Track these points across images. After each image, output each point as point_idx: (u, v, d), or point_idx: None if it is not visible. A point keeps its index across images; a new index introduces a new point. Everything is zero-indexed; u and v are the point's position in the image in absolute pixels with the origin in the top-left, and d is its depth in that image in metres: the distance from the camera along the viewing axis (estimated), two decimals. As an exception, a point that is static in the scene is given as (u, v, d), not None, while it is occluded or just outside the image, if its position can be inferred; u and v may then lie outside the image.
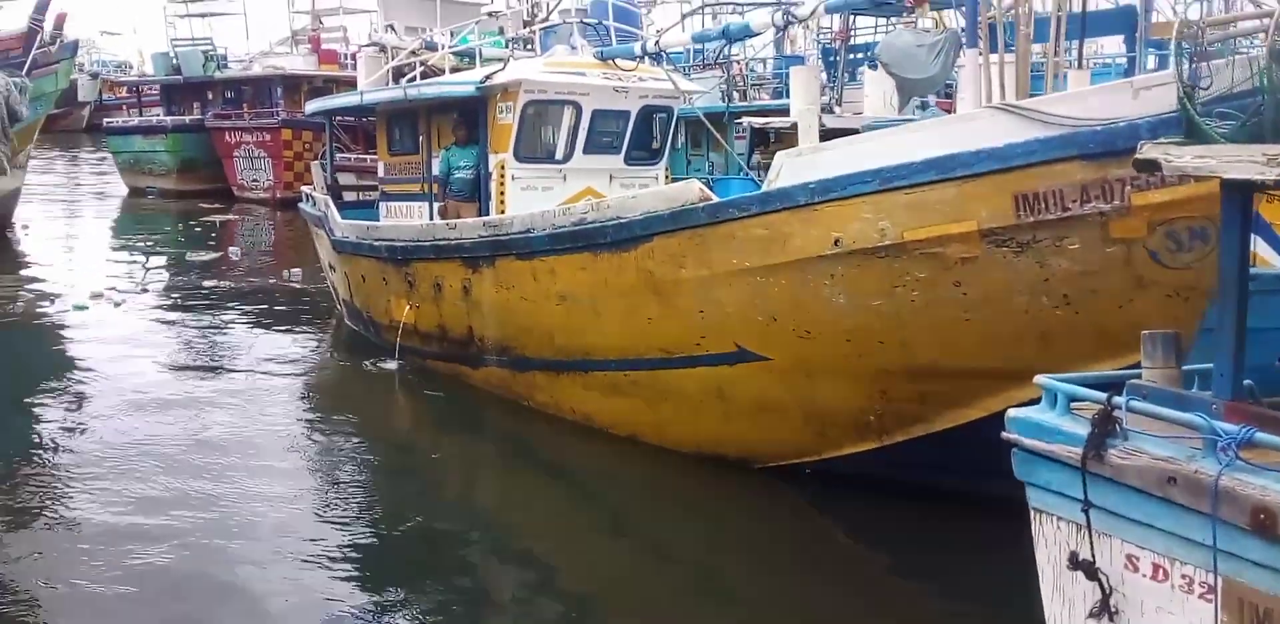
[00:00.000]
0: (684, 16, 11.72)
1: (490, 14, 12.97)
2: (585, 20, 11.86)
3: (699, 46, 13.71)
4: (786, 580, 7.13)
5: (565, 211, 9.45)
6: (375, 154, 14.22)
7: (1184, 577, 4.15)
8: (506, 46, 12.26)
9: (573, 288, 9.41)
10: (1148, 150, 4.52)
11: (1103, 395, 4.46)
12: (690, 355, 8.50)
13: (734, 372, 8.25)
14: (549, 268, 9.65)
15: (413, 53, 13.03)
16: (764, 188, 7.61)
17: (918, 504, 7.67)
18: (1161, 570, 4.25)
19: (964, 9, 10.58)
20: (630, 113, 12.13)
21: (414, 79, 13.22)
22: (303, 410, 11.28)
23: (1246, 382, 4.60)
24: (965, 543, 7.19)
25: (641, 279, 8.56)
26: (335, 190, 14.91)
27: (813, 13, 8.79)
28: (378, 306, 13.23)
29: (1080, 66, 12.34)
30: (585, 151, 12.05)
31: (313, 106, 15.31)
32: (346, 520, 8.12)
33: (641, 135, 12.52)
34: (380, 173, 14.28)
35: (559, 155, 11.98)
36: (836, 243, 7.12)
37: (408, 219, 13.42)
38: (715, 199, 7.90)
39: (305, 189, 16.21)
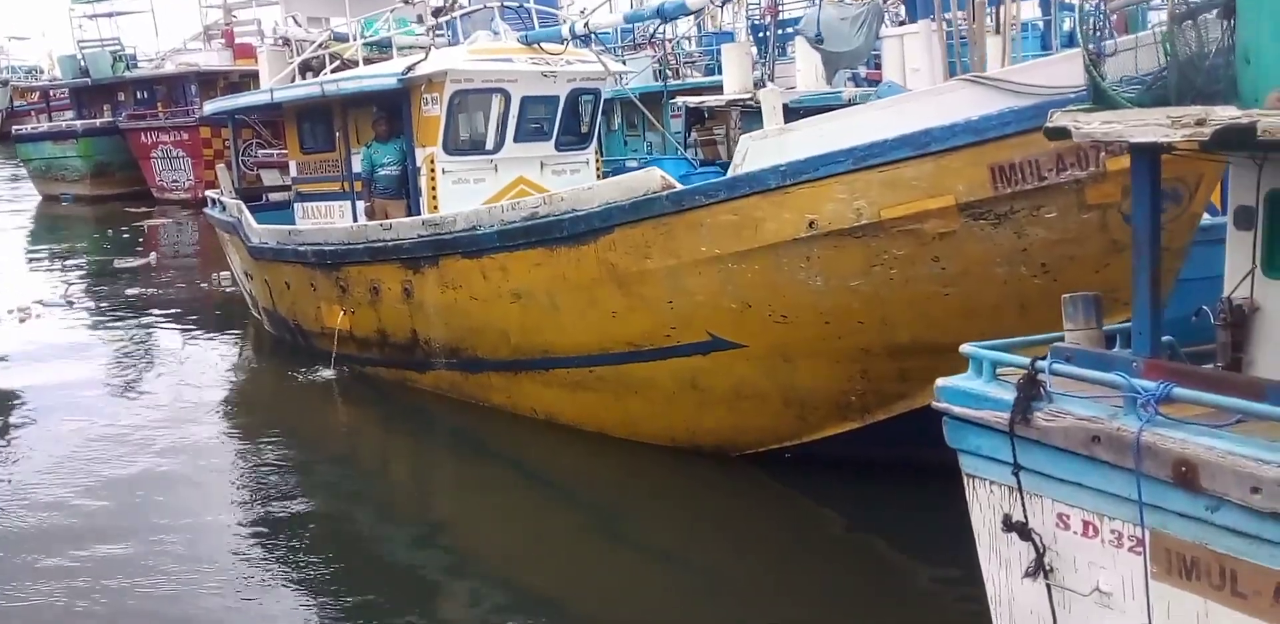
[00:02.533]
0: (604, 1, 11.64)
1: (405, 1, 12.63)
2: (506, 3, 11.65)
3: (629, 26, 13.64)
4: (781, 568, 7.26)
5: (514, 206, 9.34)
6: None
7: (1113, 532, 4.39)
8: (428, 34, 11.97)
9: (528, 285, 9.32)
10: (1057, 118, 4.74)
11: (1027, 360, 4.63)
12: (660, 347, 8.52)
13: (708, 361, 8.30)
14: (499, 265, 9.54)
15: (321, 46, 12.64)
16: (730, 172, 7.62)
17: (900, 480, 7.80)
18: (1091, 527, 4.49)
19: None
20: (559, 97, 12.04)
21: (321, 73, 12.86)
22: (239, 427, 11.04)
23: (1166, 337, 4.93)
24: (952, 515, 7.37)
25: (603, 272, 8.52)
26: (251, 192, 14.45)
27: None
28: (306, 314, 12.91)
29: (998, 32, 12.59)
30: (516, 140, 11.93)
31: (213, 107, 14.80)
32: (303, 541, 7.95)
33: (570, 120, 12.44)
34: (293, 172, 13.92)
35: (489, 145, 11.84)
36: (811, 225, 7.20)
37: (328, 220, 13.11)
38: (679, 186, 7.88)
39: (211, 194, 15.67)
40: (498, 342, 10.00)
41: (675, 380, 8.62)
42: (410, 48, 12.58)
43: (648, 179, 8.08)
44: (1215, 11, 4.67)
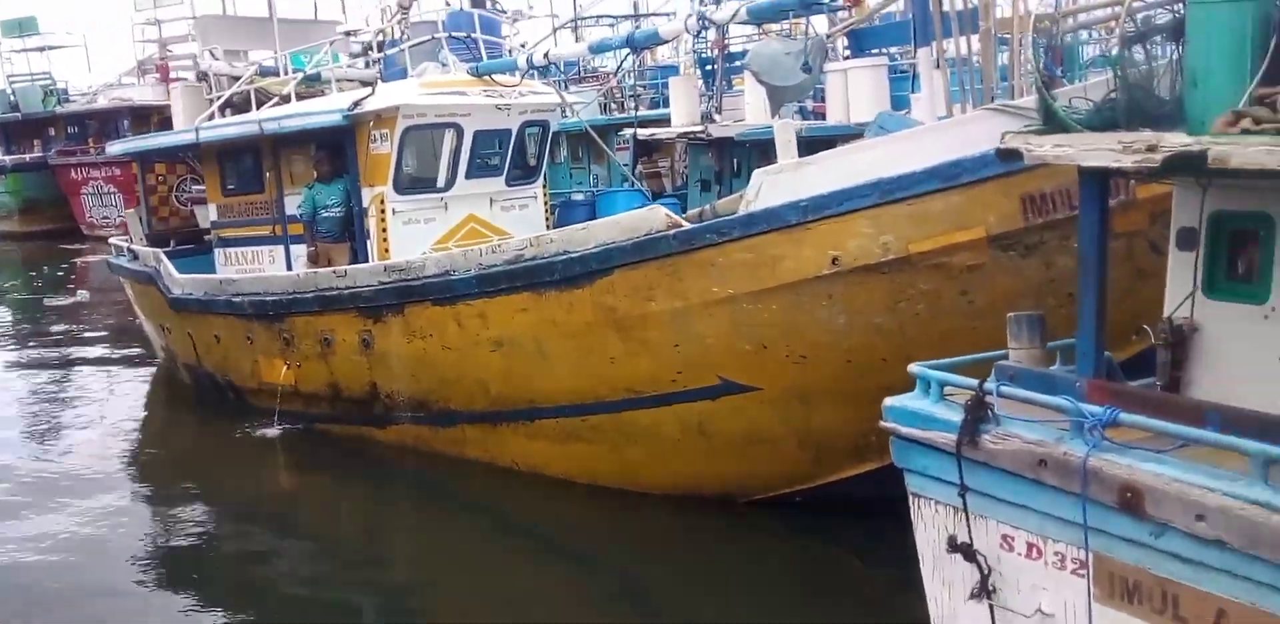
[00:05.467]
0: (555, 30, 11.60)
1: (347, 33, 12.35)
2: (453, 34, 11.50)
3: (591, 57, 13.65)
4: (793, 614, 7.20)
5: (494, 249, 9.18)
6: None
7: (1057, 554, 4.66)
8: (372, 68, 11.72)
9: (511, 332, 9.13)
10: (1010, 140, 5.02)
11: (975, 382, 4.72)
12: (664, 393, 8.45)
13: (717, 406, 8.25)
14: (477, 312, 9.34)
15: (250, 81, 12.25)
16: (742, 208, 7.63)
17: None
18: (1035, 549, 4.76)
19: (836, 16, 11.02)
20: (511, 131, 11.96)
21: (242, 109, 12.45)
22: (166, 488, 10.61)
23: (1106, 354, 5.28)
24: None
25: (601, 316, 8.41)
26: (185, 235, 13.88)
27: (733, 16, 8.87)
28: (240, 369, 12.41)
29: (938, 66, 12.92)
30: (468, 176, 11.79)
31: (120, 148, 14.15)
32: (240, 611, 7.64)
33: (520, 153, 12.29)
34: (213, 216, 13.43)
35: (441, 183, 11.68)
36: (835, 262, 7.23)
37: (255, 266, 12.68)
38: (686, 225, 7.84)
39: (117, 241, 14.97)
40: (475, 392, 9.76)
41: (681, 426, 8.53)
42: (343, 82, 12.28)
43: (651, 217, 8.02)
44: (1164, 34, 4.95)
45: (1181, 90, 4.66)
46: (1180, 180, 5.30)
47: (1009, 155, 5.12)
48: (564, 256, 8.52)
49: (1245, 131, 4.15)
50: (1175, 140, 4.31)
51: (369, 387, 10.77)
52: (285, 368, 11.52)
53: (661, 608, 7.64)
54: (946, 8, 7.84)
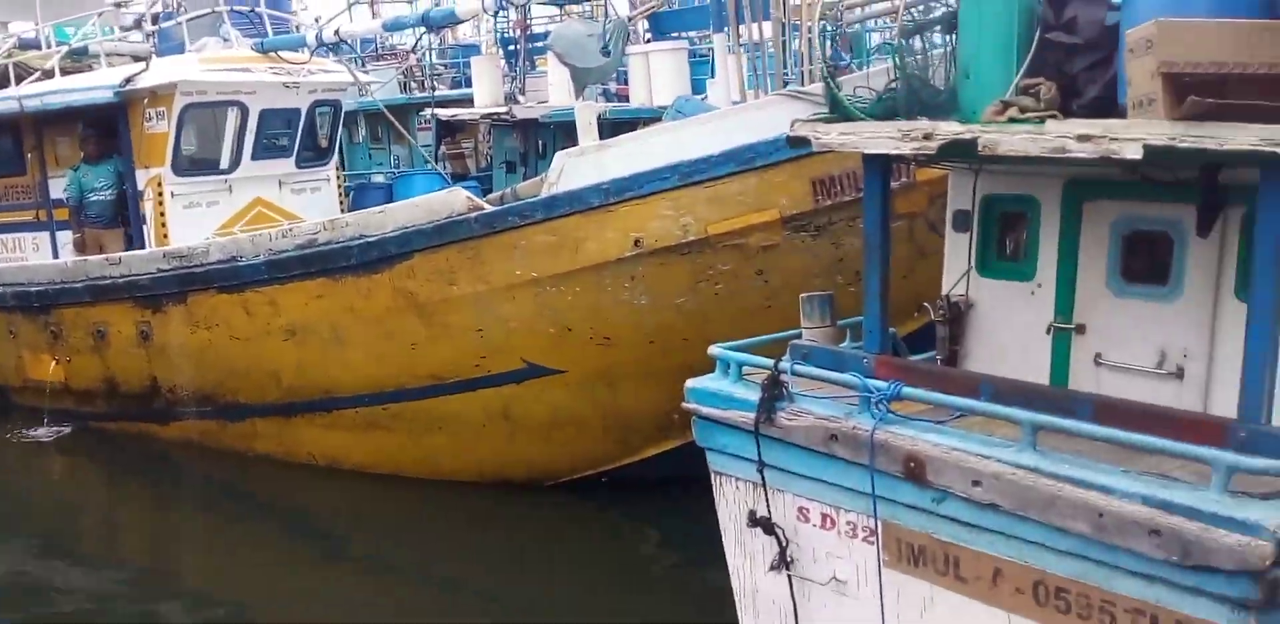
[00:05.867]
0: (350, 5, 11.22)
1: (116, 4, 11.57)
2: (236, 8, 10.99)
3: (387, 35, 13.26)
4: (605, 593, 7.37)
5: (285, 233, 8.89)
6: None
7: (849, 523, 5.02)
8: (147, 41, 11.05)
9: (305, 319, 8.89)
10: (799, 128, 5.40)
11: (771, 362, 5.17)
12: (468, 378, 8.41)
13: (523, 389, 8.29)
14: (267, 299, 9.04)
15: (8, 54, 11.37)
16: (544, 190, 7.65)
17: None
18: (829, 519, 5.13)
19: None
20: (301, 110, 11.57)
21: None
22: None
23: (891, 330, 5.70)
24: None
25: (401, 301, 8.30)
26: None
27: (533, -4, 8.84)
28: (2, 366, 11.53)
29: (734, 51, 13.36)
30: (254, 157, 11.33)
31: None
32: None
33: (311, 134, 11.90)
34: (-36, 201, 12.37)
35: (224, 164, 11.20)
36: (637, 243, 7.38)
37: (18, 255, 11.83)
38: (487, 207, 7.81)
39: None
40: (266, 384, 9.45)
41: (485, 412, 8.53)
42: (113, 56, 11.54)
43: (451, 200, 7.95)
44: (939, 27, 5.36)
45: (955, 80, 4.98)
46: (955, 165, 5.68)
47: (798, 142, 5.36)
48: (361, 241, 8.34)
49: (1012, 120, 4.48)
50: (949, 128, 4.61)
51: (149, 381, 10.26)
52: (54, 363, 10.84)
53: (469, 598, 7.62)
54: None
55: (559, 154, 7.75)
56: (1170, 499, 3.71)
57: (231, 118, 10.99)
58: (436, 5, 16.44)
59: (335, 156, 12.55)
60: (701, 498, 7.98)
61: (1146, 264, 4.99)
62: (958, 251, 5.83)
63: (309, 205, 11.89)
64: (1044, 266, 5.35)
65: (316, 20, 12.07)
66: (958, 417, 4.74)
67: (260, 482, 9.75)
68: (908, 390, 4.79)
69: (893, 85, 5.31)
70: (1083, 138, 4.02)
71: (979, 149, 4.43)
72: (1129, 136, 3.86)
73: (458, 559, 8.15)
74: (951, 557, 4.53)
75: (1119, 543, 3.79)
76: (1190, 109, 3.72)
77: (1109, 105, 4.48)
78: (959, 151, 4.65)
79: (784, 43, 7.99)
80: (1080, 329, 5.20)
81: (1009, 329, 5.56)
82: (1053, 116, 4.40)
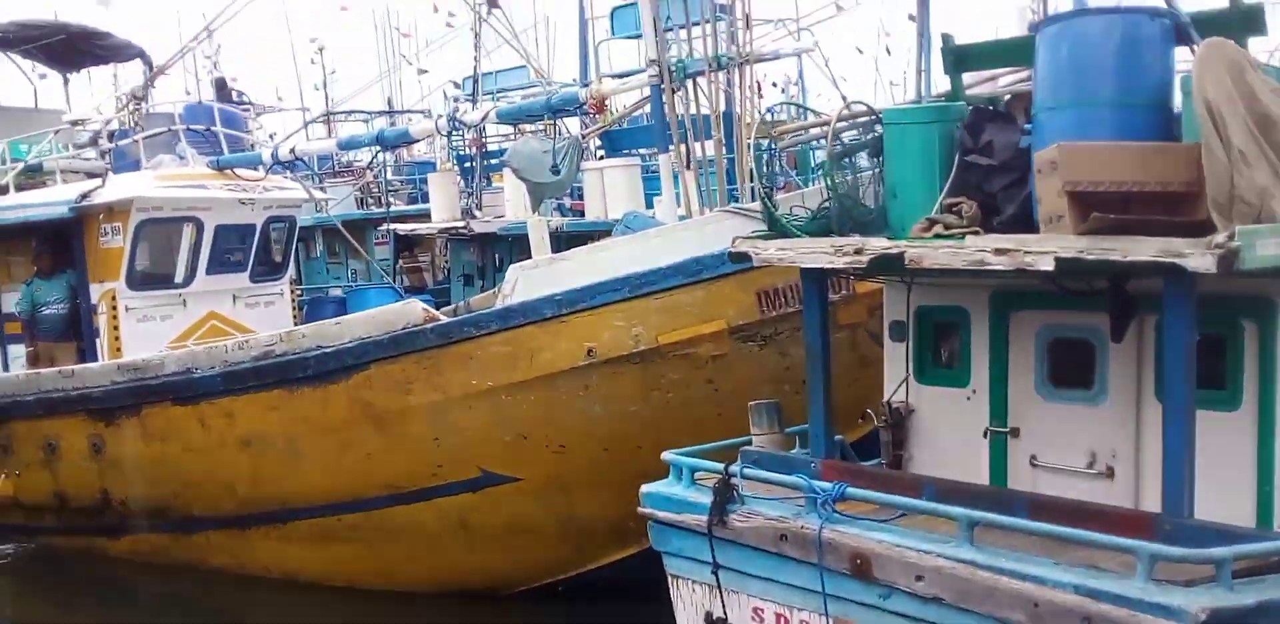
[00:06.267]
0: (306, 124, 11.68)
1: (73, 122, 11.91)
2: (192, 127, 11.38)
3: (341, 153, 13.72)
4: None
5: (240, 345, 9.06)
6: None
7: (801, 622, 5.22)
8: (103, 158, 11.37)
9: (261, 430, 9.00)
10: (740, 244, 5.83)
11: (722, 466, 5.49)
12: (424, 487, 8.54)
13: (479, 498, 8.42)
14: (223, 411, 9.16)
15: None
16: (499, 303, 7.93)
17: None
18: (783, 619, 5.36)
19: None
20: (256, 226, 11.86)
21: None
22: None
23: (838, 438, 6.05)
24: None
25: (357, 412, 8.47)
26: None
27: (483, 118, 9.33)
28: (-52, 482, 11.39)
29: (688, 168, 13.82)
30: (208, 272, 11.54)
31: None
32: None
33: (265, 249, 12.18)
34: (-92, 315, 12.39)
35: (179, 278, 11.42)
36: (590, 353, 7.64)
37: None
38: (443, 319, 8.06)
39: None
40: (220, 496, 9.48)
41: (442, 521, 8.61)
42: (67, 173, 11.84)
43: (407, 312, 8.20)
44: (867, 151, 5.84)
45: (884, 200, 5.41)
46: (889, 279, 6.08)
47: (739, 257, 5.76)
48: (317, 351, 8.53)
49: (938, 236, 4.88)
50: (878, 244, 5.02)
51: (99, 494, 10.21)
52: (2, 477, 10.74)
53: None
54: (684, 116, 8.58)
55: (513, 267, 8.08)
56: (1100, 588, 3.98)
57: (187, 233, 11.26)
58: (391, 125, 17.07)
59: (290, 271, 12.82)
60: (660, 603, 8.14)
61: (1072, 370, 5.37)
62: (896, 360, 6.20)
63: (263, 319, 12.08)
64: (977, 373, 5.71)
65: (271, 137, 12.47)
66: (901, 516, 5.00)
67: (215, 597, 9.68)
68: (852, 490, 5.07)
69: (826, 204, 5.75)
70: (1000, 251, 4.42)
71: (906, 263, 4.82)
72: (1041, 250, 4.26)
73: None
74: None
75: (1055, 632, 4.03)
76: (1094, 224, 4.14)
77: (1027, 221, 4.90)
78: (889, 265, 5.04)
79: (727, 162, 8.49)
80: (1015, 432, 5.53)
81: (948, 433, 5.88)
82: (974, 232, 4.80)
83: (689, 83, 8.57)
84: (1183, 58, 4.72)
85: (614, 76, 11.52)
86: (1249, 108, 4.04)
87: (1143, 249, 4.03)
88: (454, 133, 10.50)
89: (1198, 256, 3.87)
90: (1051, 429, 5.37)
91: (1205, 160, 4.00)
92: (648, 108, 9.23)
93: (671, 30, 9.02)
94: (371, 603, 9.06)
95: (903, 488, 5.21)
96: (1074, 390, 5.29)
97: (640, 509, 5.77)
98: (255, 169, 11.61)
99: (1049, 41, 4.79)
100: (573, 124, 11.41)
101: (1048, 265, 4.26)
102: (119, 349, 10.88)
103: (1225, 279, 4.33)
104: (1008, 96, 5.83)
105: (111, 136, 11.73)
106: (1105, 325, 4.97)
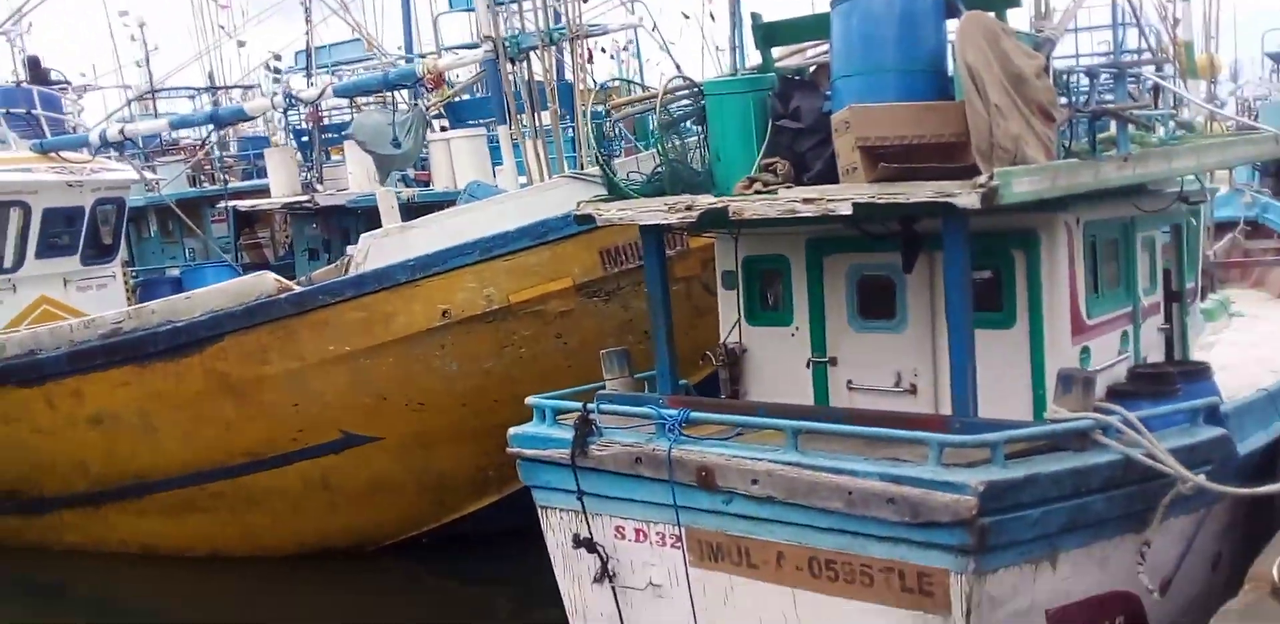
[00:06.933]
0: (129, 102, 11.59)
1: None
2: (13, 110, 11.25)
3: (174, 132, 13.57)
4: None
5: (86, 324, 9.22)
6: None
7: (658, 534, 5.96)
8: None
9: (112, 407, 9.20)
10: (583, 207, 6.55)
11: (580, 404, 6.22)
12: (286, 452, 8.91)
13: (341, 459, 8.85)
14: (70, 390, 9.31)
15: None
16: (351, 270, 8.34)
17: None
18: (641, 532, 6.05)
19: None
20: (85, 208, 11.84)
21: None
22: None
23: (683, 382, 6.78)
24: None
25: (213, 383, 8.77)
26: None
27: (320, 94, 9.65)
28: None
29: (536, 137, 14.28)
30: (39, 256, 11.49)
31: None
32: None
33: (94, 232, 12.15)
34: None
35: (8, 264, 11.41)
36: (445, 314, 8.17)
37: None
38: (296, 288, 8.43)
39: None
40: (72, 475, 9.62)
41: (304, 483, 9.01)
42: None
43: (260, 283, 8.54)
44: (693, 120, 6.59)
45: (710, 163, 6.11)
46: (718, 233, 6.82)
47: (584, 219, 6.38)
48: (169, 326, 8.77)
49: (757, 192, 5.61)
50: (706, 200, 5.71)
51: (-59, 483, 10.13)
52: None
53: None
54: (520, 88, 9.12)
55: (364, 236, 8.51)
56: (900, 473, 4.81)
57: (14, 217, 11.19)
58: (215, 102, 16.88)
59: (121, 253, 12.77)
60: (520, 548, 8.71)
61: (877, 304, 6.22)
62: (729, 306, 6.94)
63: (95, 301, 12.07)
64: (799, 312, 6.51)
65: (78, 114, 12.33)
66: (738, 434, 5.74)
67: (74, 573, 9.78)
68: (695, 415, 5.75)
69: (659, 169, 6.43)
70: (807, 200, 5.19)
71: (730, 215, 5.53)
72: (841, 197, 5.05)
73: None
74: (743, 548, 5.47)
75: (866, 513, 4.84)
76: (882, 173, 4.95)
77: (832, 176, 5.68)
78: (716, 219, 5.74)
79: (562, 130, 9.08)
80: (833, 361, 6.37)
81: (776, 367, 6.67)
82: (787, 187, 5.56)
83: (524, 56, 9.12)
84: (954, 28, 5.58)
85: (450, 49, 11.92)
86: (1003, 69, 4.90)
87: (921, 191, 4.84)
88: (290, 109, 10.72)
89: (965, 195, 4.71)
90: (863, 356, 6.22)
91: (968, 114, 4.84)
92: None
93: (504, 4, 9.54)
94: (235, 570, 9.36)
95: (739, 412, 5.96)
96: (880, 321, 6.15)
97: (509, 449, 6.30)
98: (81, 151, 11.57)
99: (841, 17, 5.58)
100: (408, 95, 11.76)
101: (846, 209, 5.04)
102: (-51, 339, 10.74)
103: (995, 216, 5.22)
104: (813, 67, 6.64)
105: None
106: (900, 262, 5.83)
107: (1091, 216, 5.85)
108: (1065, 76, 5.88)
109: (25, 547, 10.11)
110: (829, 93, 5.92)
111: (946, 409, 5.73)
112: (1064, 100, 5.59)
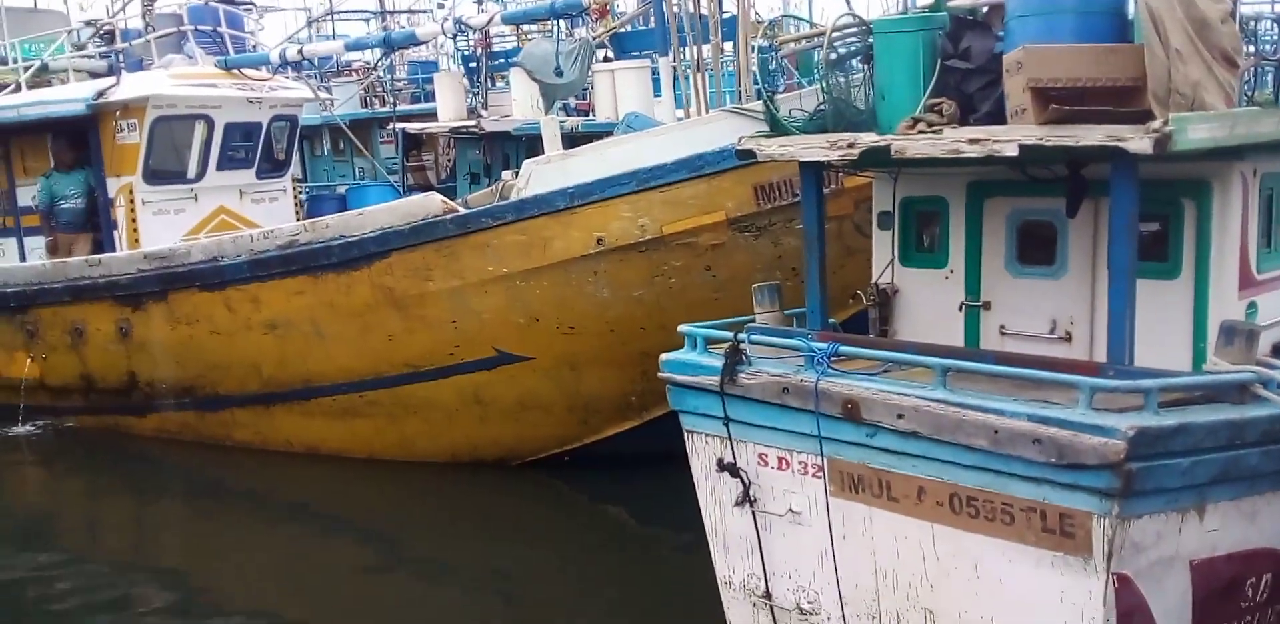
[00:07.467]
0: (309, 22, 12.13)
1: (88, 22, 12.36)
2: (199, 27, 11.89)
3: (348, 54, 14.17)
4: (571, 565, 8.22)
5: (265, 235, 9.81)
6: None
7: (800, 463, 6.08)
8: (115, 58, 11.88)
9: (286, 314, 9.79)
10: (744, 142, 6.59)
11: (731, 334, 6.34)
12: (442, 366, 9.38)
13: (493, 376, 9.28)
14: (249, 296, 9.92)
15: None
16: (513, 195, 8.67)
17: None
18: (784, 461, 6.17)
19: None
20: (262, 124, 12.48)
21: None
22: None
23: (831, 320, 6.81)
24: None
25: (379, 296, 9.25)
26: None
27: (489, 21, 9.92)
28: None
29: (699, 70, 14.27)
30: (219, 168, 12.19)
31: None
32: None
33: (269, 147, 12.82)
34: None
35: (191, 174, 12.06)
36: (599, 242, 8.46)
37: None
38: (461, 210, 8.81)
39: None
40: (246, 375, 10.31)
41: (458, 397, 9.50)
42: (73, 72, 12.34)
43: (427, 204, 8.95)
44: (859, 58, 6.58)
45: (874, 102, 6.16)
46: (877, 172, 6.88)
47: (745, 154, 6.50)
48: (341, 241, 9.29)
49: (921, 132, 5.66)
50: (868, 138, 5.78)
51: (126, 376, 11.03)
52: (29, 361, 11.51)
53: (447, 570, 8.39)
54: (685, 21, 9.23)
55: (527, 162, 8.82)
56: (1049, 415, 4.88)
57: (199, 130, 11.88)
58: (384, 27, 17.36)
59: (292, 168, 13.45)
60: (657, 473, 9.04)
61: (1036, 249, 6.22)
62: (883, 246, 7.01)
63: (267, 214, 12.79)
64: (954, 255, 6.54)
65: (254, 34, 12.89)
66: (885, 370, 5.88)
67: (237, 470, 10.58)
68: (844, 349, 5.89)
69: (822, 106, 6.50)
70: (972, 141, 5.21)
71: (892, 153, 5.59)
72: (1007, 138, 5.06)
73: (435, 537, 8.99)
74: (884, 481, 5.63)
75: (1011, 452, 4.96)
76: (1052, 115, 4.94)
77: (999, 118, 5.68)
78: (877, 157, 5.81)
79: (723, 64, 9.16)
80: (987, 306, 6.40)
81: (928, 309, 6.74)
82: (953, 128, 5.59)
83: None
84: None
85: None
86: (1186, 13, 4.82)
87: (1092, 135, 4.82)
88: (459, 35, 11.05)
89: (1137, 140, 4.67)
90: (1018, 301, 6.24)
91: (1147, 58, 4.79)
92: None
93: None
94: (390, 473, 10.00)
95: (888, 349, 6.08)
96: (1038, 267, 6.15)
97: (660, 373, 6.52)
98: (262, 69, 12.17)
99: (1021, -44, 5.53)
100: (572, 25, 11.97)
101: (1012, 151, 5.05)
102: (137, 240, 11.58)
103: (1167, 164, 5.17)
104: (985, 7, 6.58)
105: (121, 36, 12.19)
106: (1065, 208, 5.82)
107: (1270, 168, 5.72)
108: (1253, 22, 5.72)
109: (196, 441, 10.95)
110: (1001, 34, 5.90)
111: (1102, 359, 5.76)
112: (1250, 48, 5.46)
